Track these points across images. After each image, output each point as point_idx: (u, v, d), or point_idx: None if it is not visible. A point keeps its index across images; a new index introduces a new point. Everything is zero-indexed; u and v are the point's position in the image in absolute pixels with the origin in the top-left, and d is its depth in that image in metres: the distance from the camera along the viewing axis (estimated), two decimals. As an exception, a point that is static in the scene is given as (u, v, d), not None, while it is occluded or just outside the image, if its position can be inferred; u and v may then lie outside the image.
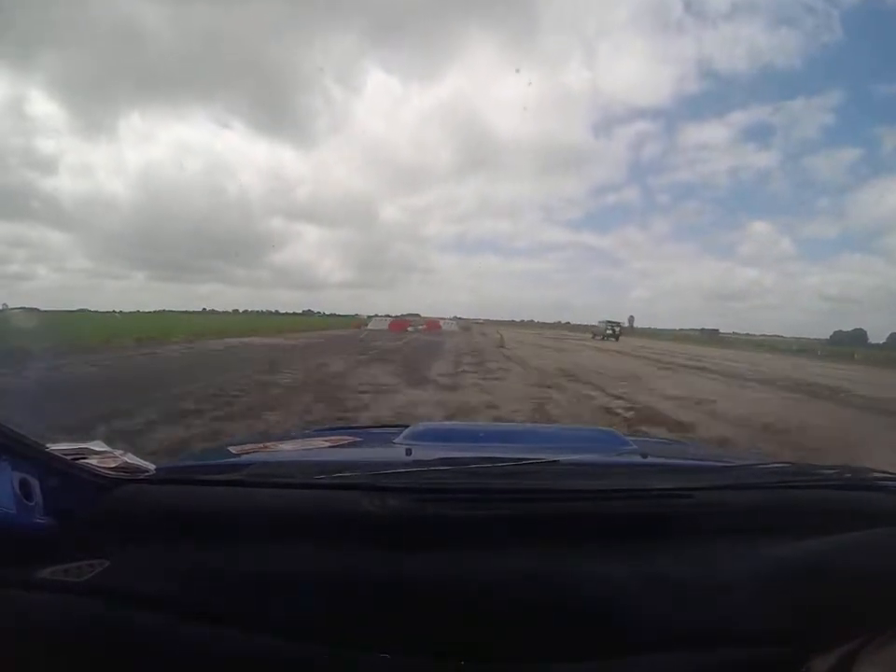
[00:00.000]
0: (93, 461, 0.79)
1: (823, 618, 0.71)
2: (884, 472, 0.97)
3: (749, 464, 1.09)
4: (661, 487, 0.84)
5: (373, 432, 1.74)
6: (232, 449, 1.15)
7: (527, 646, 0.66)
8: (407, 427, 1.39)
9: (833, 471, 1.01)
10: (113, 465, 0.80)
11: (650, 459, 1.18)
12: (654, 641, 0.68)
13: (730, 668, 0.68)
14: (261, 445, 1.24)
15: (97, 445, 0.84)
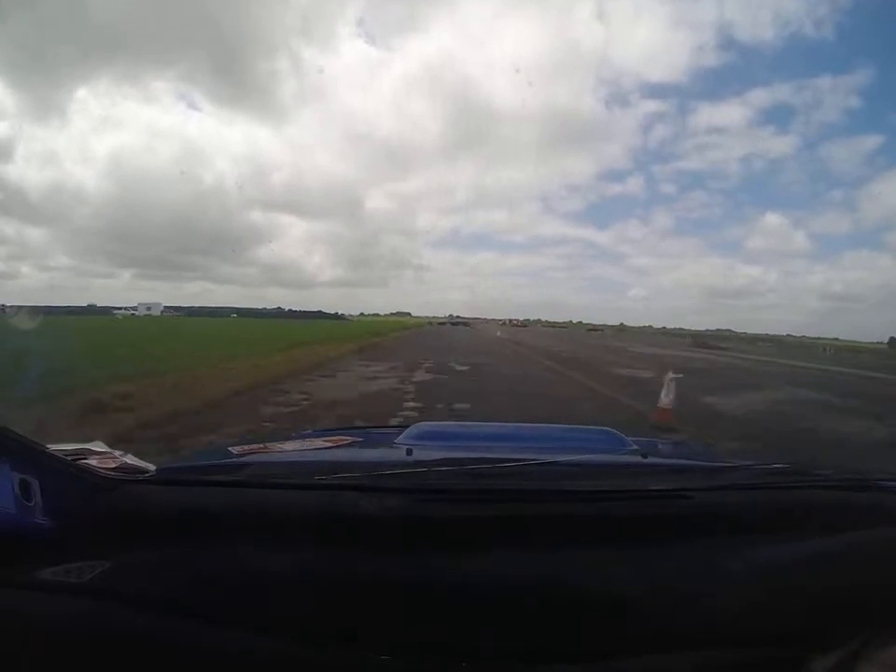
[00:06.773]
0: (93, 462, 0.79)
1: (823, 618, 0.71)
2: (883, 473, 0.97)
3: (750, 465, 1.09)
4: (661, 488, 0.84)
5: (373, 433, 1.74)
6: (232, 450, 1.15)
7: (528, 647, 0.66)
8: (407, 427, 1.39)
9: (832, 472, 1.01)
10: (113, 465, 0.80)
11: (650, 460, 1.18)
12: (654, 642, 0.68)
13: (730, 669, 0.68)
14: (261, 446, 1.24)
15: (97, 446, 0.84)
